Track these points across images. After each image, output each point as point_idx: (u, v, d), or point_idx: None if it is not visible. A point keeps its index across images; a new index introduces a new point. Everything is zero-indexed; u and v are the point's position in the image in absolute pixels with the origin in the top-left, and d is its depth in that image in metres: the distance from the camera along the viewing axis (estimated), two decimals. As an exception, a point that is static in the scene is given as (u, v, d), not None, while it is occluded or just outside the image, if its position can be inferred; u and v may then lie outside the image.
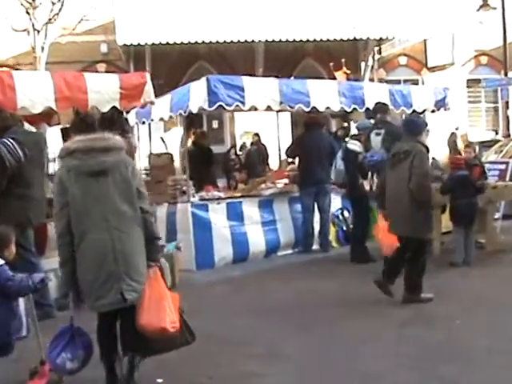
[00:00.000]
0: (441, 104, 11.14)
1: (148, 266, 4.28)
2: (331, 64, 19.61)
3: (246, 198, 9.78)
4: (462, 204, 8.32)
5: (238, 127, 20.18)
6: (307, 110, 9.52)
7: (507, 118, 18.51)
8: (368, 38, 18.79)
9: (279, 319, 6.37)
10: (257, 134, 17.43)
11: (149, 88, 7.82)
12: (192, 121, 19.66)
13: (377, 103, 8.57)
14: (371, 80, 20.35)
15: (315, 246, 10.03)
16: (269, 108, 9.39)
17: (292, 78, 15.67)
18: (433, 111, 11.29)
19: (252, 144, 17.66)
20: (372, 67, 20.77)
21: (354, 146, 8.56)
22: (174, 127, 20.08)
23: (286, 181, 10.59)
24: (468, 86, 21.61)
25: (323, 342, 5.64)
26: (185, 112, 9.14)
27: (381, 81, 20.45)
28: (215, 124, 21.01)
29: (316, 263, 9.27)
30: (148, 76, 7.82)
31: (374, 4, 18.71)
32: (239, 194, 9.91)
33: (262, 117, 15.21)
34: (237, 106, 8.86)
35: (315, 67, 20.68)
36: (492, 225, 9.29)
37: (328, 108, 9.66)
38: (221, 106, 8.68)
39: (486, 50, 21.15)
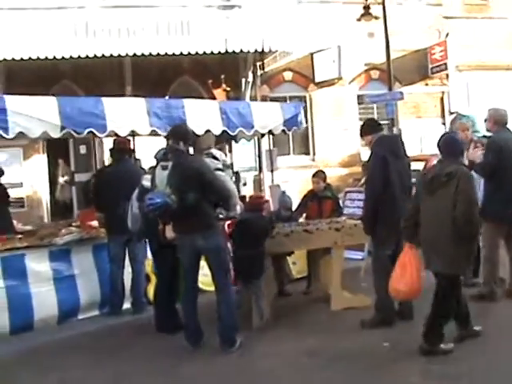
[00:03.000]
0: (292, 123, 9.30)
1: None
2: (210, 81, 18.08)
3: (32, 250, 7.57)
4: (242, 255, 6.64)
5: (109, 153, 17.91)
6: (103, 135, 7.46)
7: (394, 136, 16.95)
8: (241, 51, 16.84)
9: None
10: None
11: None
12: (56, 147, 17.66)
13: (175, 126, 6.54)
14: (253, 98, 18.52)
15: (127, 305, 7.91)
16: (47, 134, 7.25)
17: (167, 97, 13.93)
18: (283, 132, 9.39)
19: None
20: (254, 83, 18.89)
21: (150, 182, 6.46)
22: (36, 154, 17.93)
23: (95, 223, 8.43)
24: (359, 103, 19.93)
25: None
26: None
27: (264, 98, 18.71)
28: (83, 149, 18.78)
29: (113, 332, 7.21)
30: None
31: (251, 14, 16.93)
32: (23, 245, 7.65)
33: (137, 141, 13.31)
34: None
35: (192, 85, 18.77)
36: (337, 278, 7.36)
37: (133, 132, 7.60)
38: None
39: (376, 63, 19.56)
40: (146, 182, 6.49)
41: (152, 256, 7.19)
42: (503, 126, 7.29)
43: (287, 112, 9.21)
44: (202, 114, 8.09)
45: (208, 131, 8.38)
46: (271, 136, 15.66)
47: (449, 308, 5.61)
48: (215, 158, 6.84)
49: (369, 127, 6.74)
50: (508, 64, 21.54)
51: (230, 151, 18.25)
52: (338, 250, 7.29)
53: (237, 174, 10.67)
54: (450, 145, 5.77)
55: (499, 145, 7.14)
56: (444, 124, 20.38)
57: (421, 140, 19.64)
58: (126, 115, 7.56)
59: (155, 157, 6.49)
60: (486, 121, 7.47)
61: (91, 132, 7.34)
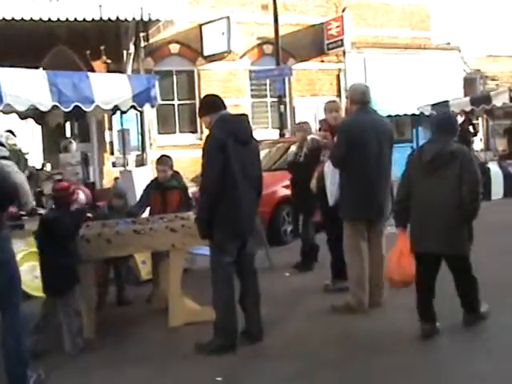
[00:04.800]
0: (144, 98, 7.94)
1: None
2: (88, 52, 16.55)
3: None
4: (46, 263, 5.44)
5: None
6: None
7: (281, 114, 15.86)
8: (118, 19, 15.21)
9: None
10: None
11: None
12: None
13: None
14: (136, 71, 16.98)
15: None
16: None
17: (41, 68, 12.32)
18: (134, 108, 8.02)
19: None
20: (137, 56, 17.35)
21: None
22: None
23: None
24: (251, 78, 18.68)
25: None
26: None
27: (149, 72, 17.19)
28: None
29: None
30: None
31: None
32: None
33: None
34: None
35: (70, 55, 17.09)
36: (176, 288, 6.08)
37: None
38: None
39: (270, 37, 18.30)
40: None
41: None
42: (364, 106, 6.17)
43: (137, 86, 7.89)
44: (24, 87, 6.65)
45: (33, 107, 6.91)
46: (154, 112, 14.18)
47: (471, 277, 5.41)
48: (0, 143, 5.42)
49: (206, 106, 5.47)
50: (406, 43, 20.91)
51: (110, 128, 16.81)
52: (176, 254, 6.00)
53: (86, 156, 9.21)
54: (446, 123, 5.47)
55: (350, 130, 6.09)
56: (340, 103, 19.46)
57: (315, 118, 18.69)
58: None
59: None
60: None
61: None
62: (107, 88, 7.60)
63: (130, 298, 7.06)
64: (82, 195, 7.63)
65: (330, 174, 6.41)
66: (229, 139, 5.11)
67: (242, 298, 5.43)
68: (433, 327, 5.30)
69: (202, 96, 17.84)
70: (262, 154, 11.69)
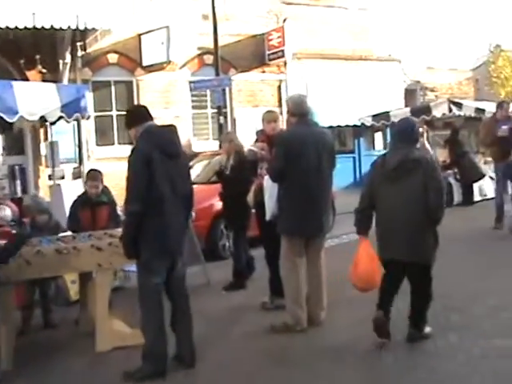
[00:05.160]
0: (73, 109, 7.56)
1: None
2: (22, 61, 16.03)
3: None
4: None
5: None
6: None
7: (220, 125, 15.61)
8: (52, 27, 14.70)
9: None
10: None
11: None
12: None
13: None
14: (73, 81, 16.49)
15: None
16: None
17: None
18: (63, 119, 7.61)
19: None
20: (74, 66, 16.87)
21: None
22: None
23: None
24: (191, 89, 18.36)
25: None
26: None
27: (86, 82, 16.68)
28: None
29: None
30: None
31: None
32: None
33: None
34: None
35: (3, 64, 16.50)
36: (102, 309, 5.73)
37: None
38: None
39: (210, 48, 18.04)
40: None
41: None
42: (303, 117, 5.98)
43: (66, 95, 7.51)
44: None
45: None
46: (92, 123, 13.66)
47: (429, 291, 5.39)
48: None
49: (131, 118, 5.13)
50: (347, 54, 20.95)
51: (46, 139, 16.26)
52: (103, 274, 5.65)
53: (13, 170, 8.75)
54: (408, 131, 5.42)
55: (288, 143, 5.89)
56: (281, 114, 19.31)
57: (256, 129, 18.50)
58: None
59: None
60: None
61: None
62: (33, 98, 7.20)
63: (56, 321, 6.65)
64: (7, 211, 7.23)
65: (269, 188, 6.16)
66: (154, 152, 4.79)
67: (172, 321, 5.11)
68: (387, 319, 5.25)
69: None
70: (201, 165, 11.43)
